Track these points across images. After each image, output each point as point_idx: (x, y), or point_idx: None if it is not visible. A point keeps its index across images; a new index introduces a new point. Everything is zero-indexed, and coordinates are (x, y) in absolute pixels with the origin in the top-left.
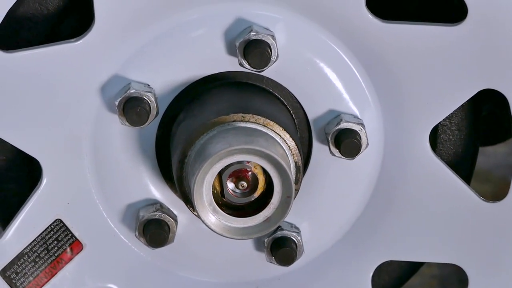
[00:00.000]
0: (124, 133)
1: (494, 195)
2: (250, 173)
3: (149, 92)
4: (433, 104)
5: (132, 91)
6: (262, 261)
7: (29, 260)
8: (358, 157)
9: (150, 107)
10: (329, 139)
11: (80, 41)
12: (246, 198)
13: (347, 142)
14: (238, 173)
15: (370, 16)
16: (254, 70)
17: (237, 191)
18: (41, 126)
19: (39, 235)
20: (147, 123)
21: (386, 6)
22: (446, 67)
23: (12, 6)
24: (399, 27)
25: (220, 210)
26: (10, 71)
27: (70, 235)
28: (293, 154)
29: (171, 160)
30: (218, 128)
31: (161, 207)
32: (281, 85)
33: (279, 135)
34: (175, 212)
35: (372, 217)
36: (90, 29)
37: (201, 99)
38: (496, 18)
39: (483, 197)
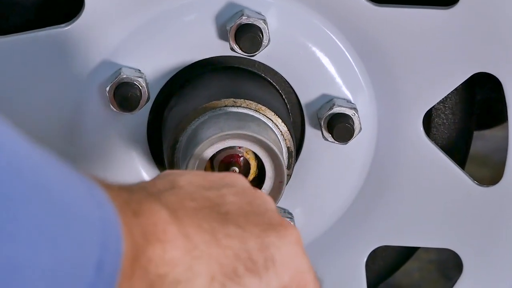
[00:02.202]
0: (115, 118)
1: (493, 179)
2: (241, 158)
3: (140, 77)
4: (427, 88)
5: (123, 76)
6: None
7: None
8: (351, 142)
9: (141, 92)
10: (322, 123)
11: (70, 26)
12: None
13: (340, 127)
14: (229, 158)
15: None
16: (246, 54)
17: None
18: (30, 112)
19: None
20: (138, 108)
21: None
22: (440, 50)
23: None
24: (392, 10)
25: None
26: None
27: None
28: (285, 139)
29: (162, 146)
30: (209, 113)
31: None
32: (273, 69)
33: (271, 120)
34: None
35: (366, 202)
36: (80, 14)
37: (192, 84)
38: (489, 0)
39: (482, 181)
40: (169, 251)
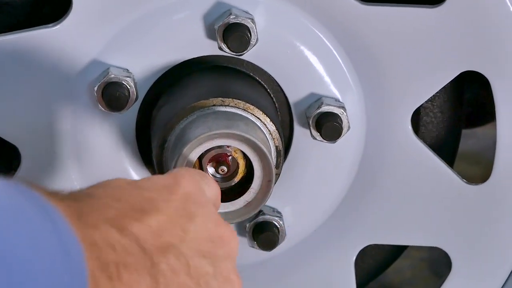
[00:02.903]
0: (103, 118)
1: (484, 177)
2: (230, 157)
3: (128, 77)
4: (415, 86)
5: (111, 76)
6: (244, 246)
7: None
8: (339, 141)
9: (129, 92)
10: (310, 122)
11: (58, 26)
12: (226, 183)
13: (328, 126)
14: (218, 157)
15: None
16: (234, 54)
17: (217, 175)
18: (19, 112)
19: None
20: (126, 108)
21: None
22: (427, 49)
23: None
24: (379, 9)
25: None
26: None
27: None
28: (273, 138)
29: (151, 145)
30: (197, 112)
31: None
32: (261, 68)
33: (260, 119)
34: None
35: (355, 201)
36: (68, 14)
37: (180, 83)
38: None
39: (473, 179)
40: None
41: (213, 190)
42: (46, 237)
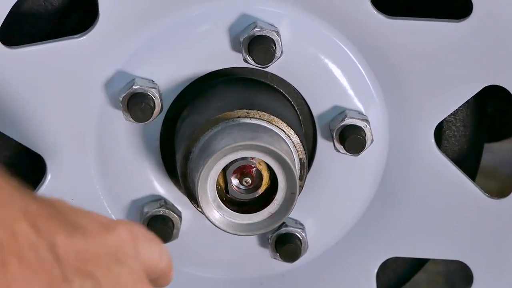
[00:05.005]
0: (128, 129)
1: (500, 191)
2: (254, 169)
3: (153, 88)
4: (438, 100)
5: (136, 87)
6: (267, 257)
7: None
8: (362, 153)
9: (154, 103)
10: (334, 135)
11: (84, 37)
12: (250, 194)
13: (351, 138)
14: (242, 169)
15: (374, 11)
16: (259, 66)
17: (242, 187)
18: (45, 122)
19: None
20: (151, 119)
21: (390, 2)
22: (451, 63)
23: (16, 1)
24: (404, 23)
25: (224, 206)
26: (14, 67)
27: None
28: (297, 151)
29: (175, 156)
30: (222, 124)
31: (165, 203)
32: (285, 81)
33: (284, 131)
34: (179, 208)
35: (377, 214)
36: (95, 25)
37: (205, 95)
38: (501, 14)
39: (489, 193)
40: None
41: (155, 253)
42: None
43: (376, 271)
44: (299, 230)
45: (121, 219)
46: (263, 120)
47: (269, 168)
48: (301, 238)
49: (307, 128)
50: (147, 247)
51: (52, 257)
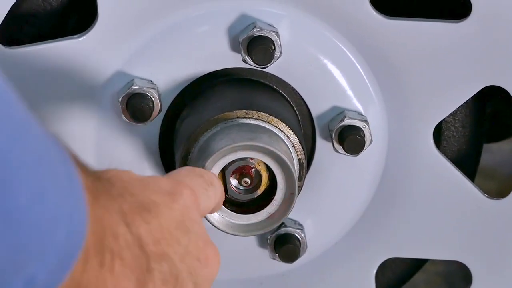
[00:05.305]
0: (127, 129)
1: (499, 192)
2: (253, 169)
3: (152, 88)
4: (437, 101)
5: (135, 87)
6: (266, 258)
7: None
8: (362, 154)
9: (153, 104)
10: (333, 135)
11: (84, 37)
12: (249, 195)
13: (350, 139)
14: (241, 169)
15: (374, 12)
16: (258, 66)
17: (240, 187)
18: (43, 122)
19: None
20: (150, 119)
21: (390, 2)
22: (450, 63)
23: (16, 1)
24: (403, 23)
25: (223, 207)
26: (13, 67)
27: None
28: (296, 151)
29: (174, 157)
30: (221, 124)
31: None
32: (284, 81)
33: (283, 132)
34: None
35: (376, 214)
36: (93, 25)
37: (204, 95)
38: (501, 14)
39: (488, 194)
40: None
41: (212, 200)
42: (60, 194)
43: (375, 271)
44: (298, 230)
45: (181, 170)
46: (262, 120)
47: (268, 169)
48: (300, 238)
49: (306, 129)
50: (206, 199)
51: (140, 252)
